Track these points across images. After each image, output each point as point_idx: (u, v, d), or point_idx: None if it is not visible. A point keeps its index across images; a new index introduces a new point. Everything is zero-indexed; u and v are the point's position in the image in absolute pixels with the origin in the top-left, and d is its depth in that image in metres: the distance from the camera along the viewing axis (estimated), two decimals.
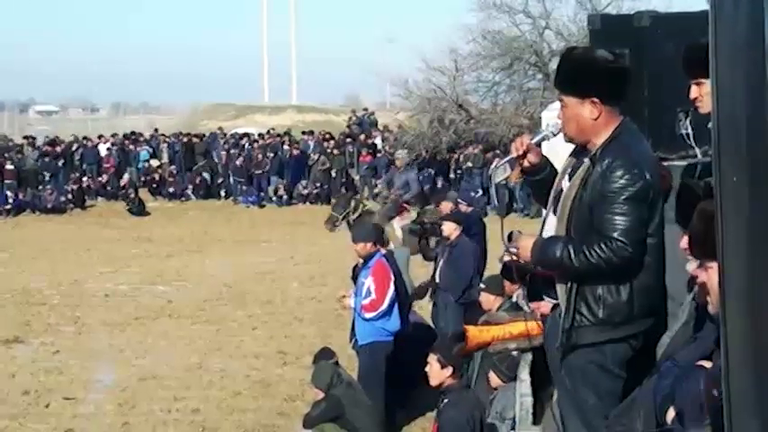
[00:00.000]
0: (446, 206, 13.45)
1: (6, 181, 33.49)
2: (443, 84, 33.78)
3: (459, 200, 13.83)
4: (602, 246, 4.31)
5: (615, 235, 4.31)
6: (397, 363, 9.55)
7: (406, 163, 17.74)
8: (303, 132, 38.45)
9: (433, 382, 7.24)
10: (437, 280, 11.60)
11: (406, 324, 9.87)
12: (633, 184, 4.35)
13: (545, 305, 4.89)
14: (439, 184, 31.26)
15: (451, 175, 32.57)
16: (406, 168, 17.65)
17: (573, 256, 4.36)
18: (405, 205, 16.50)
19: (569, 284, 4.50)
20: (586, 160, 4.54)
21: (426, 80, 34.16)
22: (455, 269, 11.33)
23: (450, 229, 11.57)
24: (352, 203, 14.67)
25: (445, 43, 33.96)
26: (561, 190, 4.65)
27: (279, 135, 37.82)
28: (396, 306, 9.56)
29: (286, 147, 35.58)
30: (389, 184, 17.61)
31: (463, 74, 34.08)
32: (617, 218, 4.34)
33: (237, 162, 34.56)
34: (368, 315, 9.41)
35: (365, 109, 41.32)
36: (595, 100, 4.52)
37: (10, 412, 10.99)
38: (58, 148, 36.22)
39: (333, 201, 16.22)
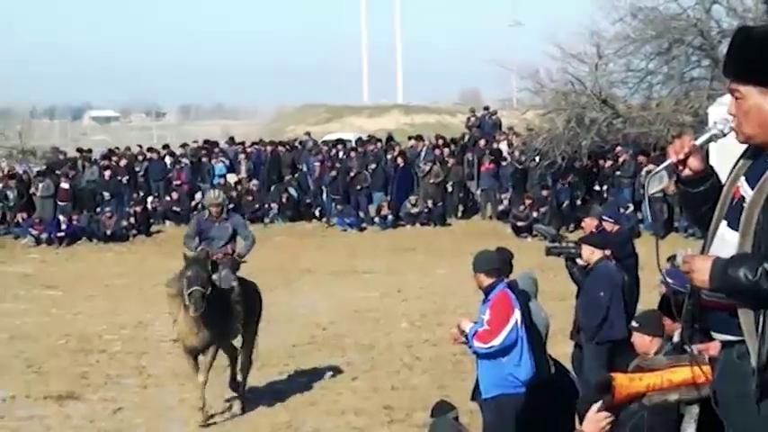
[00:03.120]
0: (590, 224, 13.38)
1: (60, 203, 34.34)
2: (583, 74, 33.56)
3: (603, 216, 13.74)
4: None
5: None
6: (529, 420, 9.51)
7: (226, 208, 14.71)
8: (411, 137, 38.52)
9: None
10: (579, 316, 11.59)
11: (541, 372, 9.82)
12: None
13: (714, 345, 4.80)
14: (579, 199, 31.09)
15: (596, 188, 32.35)
16: (228, 215, 14.64)
17: None
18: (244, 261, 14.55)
19: (761, 313, 4.39)
20: None
21: (561, 70, 33.98)
22: (588, 302, 11.28)
23: (588, 253, 11.50)
24: (209, 264, 13.32)
25: (585, 24, 33.62)
26: (740, 198, 4.57)
27: (381, 141, 37.99)
28: (526, 349, 9.54)
29: (390, 155, 35.68)
30: (205, 239, 14.13)
31: (608, 62, 33.82)
32: None
33: (332, 175, 34.85)
34: (477, 344, 9.42)
35: (486, 108, 41.16)
36: None
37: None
38: (122, 162, 36.93)
39: (189, 273, 12.89)
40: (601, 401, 5.85)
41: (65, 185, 35.04)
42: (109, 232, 32.81)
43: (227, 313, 13.34)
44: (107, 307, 21.28)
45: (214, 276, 13.40)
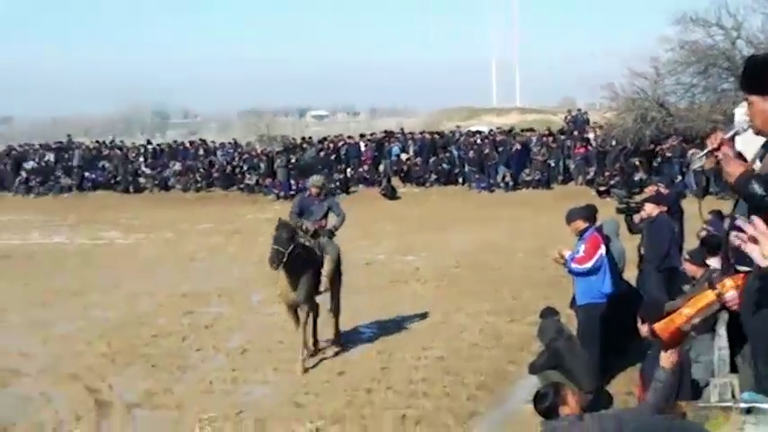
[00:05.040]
0: (650, 189, 13.21)
1: (291, 172, 35.16)
2: (645, 87, 32.67)
3: (659, 184, 13.61)
4: None
5: None
6: (609, 321, 9.42)
7: (324, 191, 12.38)
8: (525, 130, 38.08)
9: (642, 334, 7.18)
10: (642, 251, 11.42)
11: (618, 288, 9.71)
12: None
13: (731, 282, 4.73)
14: (642, 172, 30.39)
15: (654, 164, 31.56)
16: (325, 197, 12.36)
17: None
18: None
19: None
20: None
21: (631, 84, 33.08)
22: (654, 242, 11.10)
23: (650, 209, 11.38)
24: (294, 238, 11.46)
25: (647, 53, 32.74)
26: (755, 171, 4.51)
27: (505, 132, 37.67)
28: (608, 272, 9.44)
29: (512, 142, 35.31)
30: (305, 213, 12.13)
31: (663, 78, 32.79)
32: None
33: (471, 154, 34.67)
34: (574, 266, 9.35)
35: (579, 109, 40.36)
36: None
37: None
38: (331, 145, 37.40)
39: (275, 234, 11.45)
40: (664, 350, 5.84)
41: (293, 160, 35.78)
42: None
43: (316, 275, 11.70)
44: None
45: (316, 240, 11.92)
